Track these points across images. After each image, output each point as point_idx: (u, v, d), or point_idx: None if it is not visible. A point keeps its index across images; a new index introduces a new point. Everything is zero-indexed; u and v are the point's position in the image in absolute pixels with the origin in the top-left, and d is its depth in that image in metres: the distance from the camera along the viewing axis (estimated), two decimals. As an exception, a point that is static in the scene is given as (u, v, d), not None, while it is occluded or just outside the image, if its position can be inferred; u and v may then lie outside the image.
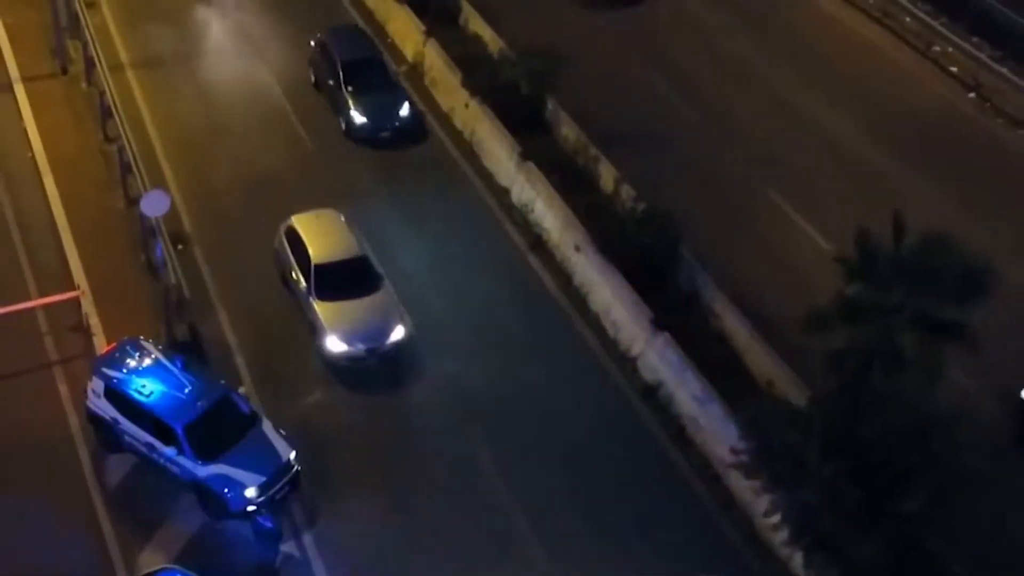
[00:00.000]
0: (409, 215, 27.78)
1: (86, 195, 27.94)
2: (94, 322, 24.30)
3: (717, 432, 21.83)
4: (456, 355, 24.47)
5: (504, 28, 33.06)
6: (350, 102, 29.66)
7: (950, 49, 34.57)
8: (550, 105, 29.55)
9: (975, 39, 34.92)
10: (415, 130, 30.44)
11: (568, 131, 28.84)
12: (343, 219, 25.47)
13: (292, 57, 32.60)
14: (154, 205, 22.66)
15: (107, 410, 21.18)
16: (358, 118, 29.56)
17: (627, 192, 26.36)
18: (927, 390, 17.65)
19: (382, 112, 29.86)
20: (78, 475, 21.81)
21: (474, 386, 23.79)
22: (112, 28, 33.90)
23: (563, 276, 26.30)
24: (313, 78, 31.59)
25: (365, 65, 30.40)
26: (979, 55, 33.79)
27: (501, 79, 29.51)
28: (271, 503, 20.64)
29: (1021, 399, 23.01)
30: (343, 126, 30.03)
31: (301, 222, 25.21)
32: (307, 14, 34.07)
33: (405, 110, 30.17)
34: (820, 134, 31.34)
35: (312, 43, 31.53)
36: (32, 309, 24.43)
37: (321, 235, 24.86)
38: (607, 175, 27.50)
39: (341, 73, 29.94)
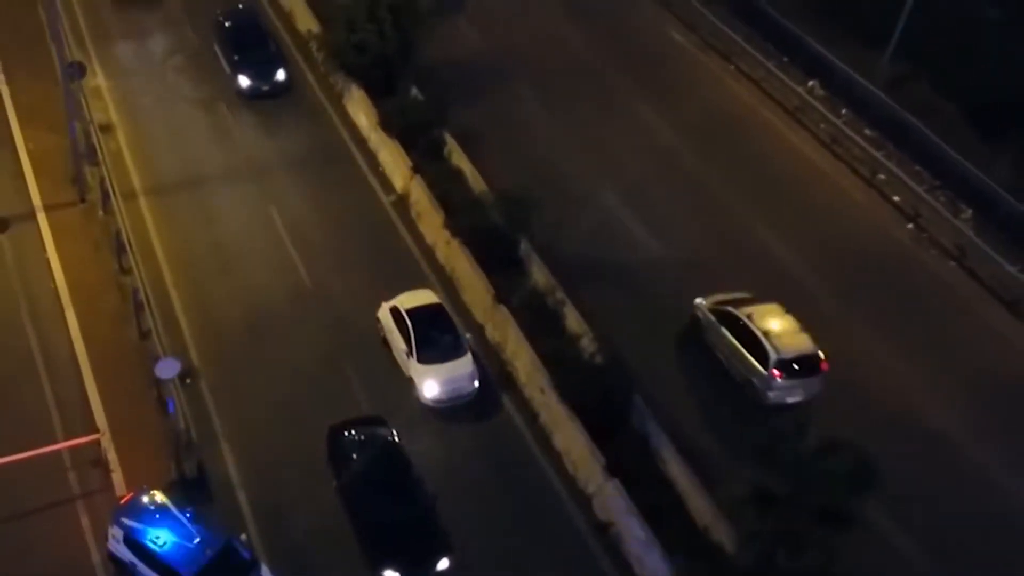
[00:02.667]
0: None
1: (103, 329, 31.00)
2: (112, 458, 27.44)
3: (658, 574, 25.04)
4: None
5: (483, 153, 36.56)
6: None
7: (894, 178, 37.78)
8: (523, 246, 32.66)
9: (917, 167, 38.20)
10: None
11: (538, 272, 31.97)
12: None
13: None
14: (167, 369, 25.77)
15: (125, 555, 24.39)
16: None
17: (588, 341, 29.49)
18: (825, 569, 20.86)
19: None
20: (100, 605, 25.10)
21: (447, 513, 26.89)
22: (126, 153, 37.05)
23: (530, 413, 29.47)
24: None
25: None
26: (918, 188, 37.01)
27: (479, 220, 32.58)
28: (270, 640, 23.88)
29: None
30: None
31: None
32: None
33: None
34: (770, 263, 34.49)
35: None
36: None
37: None
38: (572, 318, 30.62)
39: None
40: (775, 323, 29.64)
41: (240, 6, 42.52)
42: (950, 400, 30.69)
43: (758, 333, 29.27)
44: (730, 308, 30.45)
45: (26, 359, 30.18)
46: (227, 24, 40.86)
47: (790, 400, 29.19)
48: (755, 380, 29.27)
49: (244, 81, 39.20)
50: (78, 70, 34.27)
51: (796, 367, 28.95)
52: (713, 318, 30.71)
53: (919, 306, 33.56)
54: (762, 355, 29.00)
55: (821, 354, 29.23)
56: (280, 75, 39.46)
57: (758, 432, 22.71)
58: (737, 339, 29.84)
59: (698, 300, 31.61)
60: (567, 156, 38.06)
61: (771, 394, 29.03)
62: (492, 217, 32.66)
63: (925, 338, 32.39)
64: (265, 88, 39.26)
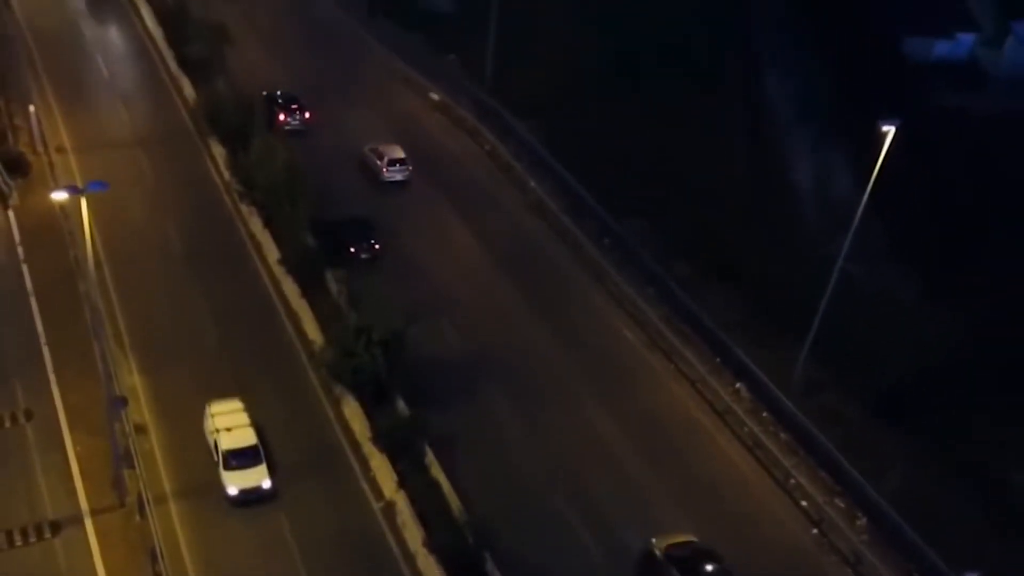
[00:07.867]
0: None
1: (141, 636, 37.65)
2: None
3: None
4: None
5: (458, 455, 43.71)
6: None
7: (802, 484, 44.81)
8: (488, 564, 39.53)
9: (822, 473, 45.28)
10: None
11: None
12: None
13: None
14: None
15: None
16: None
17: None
18: None
19: None
20: None
21: None
22: (158, 454, 43.70)
23: None
24: None
25: None
26: (819, 498, 44.05)
27: (452, 539, 39.47)
28: None
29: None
30: None
31: None
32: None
33: None
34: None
35: None
36: None
37: None
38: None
39: None
40: None
41: None
42: None
43: None
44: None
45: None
46: None
47: None
48: None
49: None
50: (121, 403, 41.27)
51: None
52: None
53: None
54: None
55: None
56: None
57: None
58: None
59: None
60: (530, 461, 45.09)
61: None
62: (464, 535, 39.61)
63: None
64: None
